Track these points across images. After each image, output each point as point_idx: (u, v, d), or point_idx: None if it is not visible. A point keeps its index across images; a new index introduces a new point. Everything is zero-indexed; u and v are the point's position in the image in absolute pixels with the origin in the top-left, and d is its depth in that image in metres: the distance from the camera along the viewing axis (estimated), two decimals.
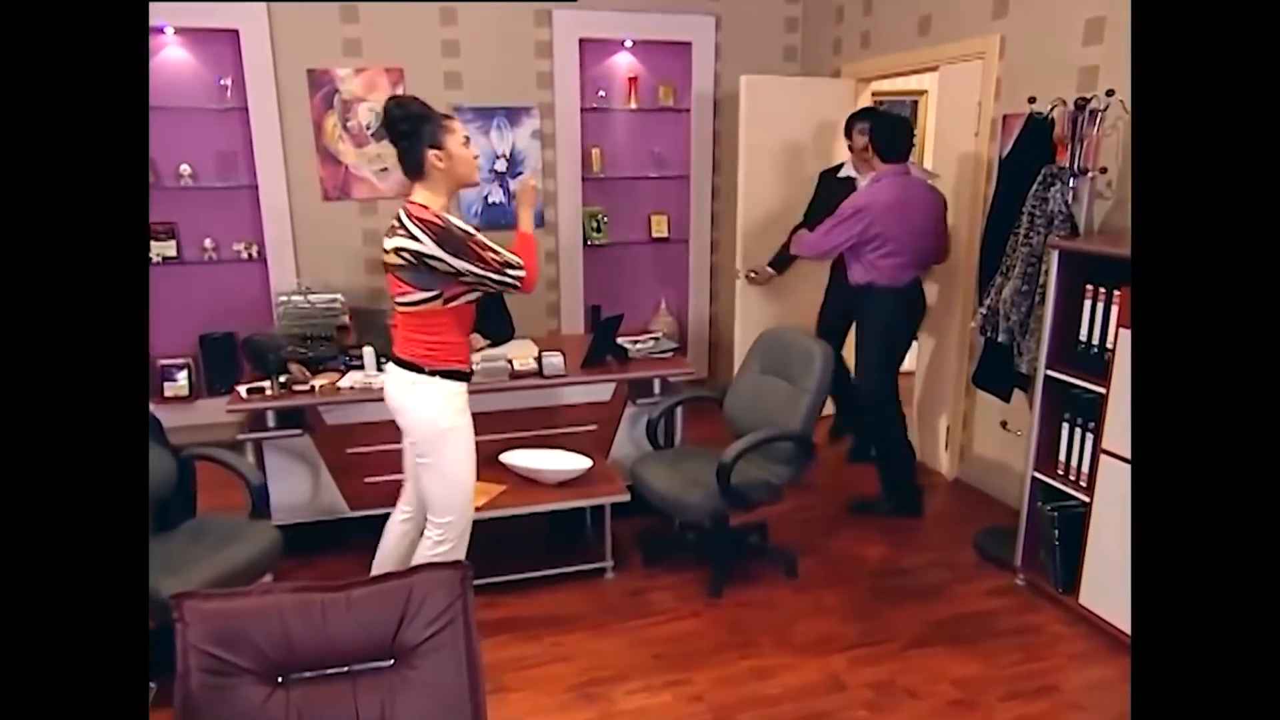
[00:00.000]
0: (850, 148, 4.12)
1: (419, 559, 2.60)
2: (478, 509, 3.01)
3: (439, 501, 2.58)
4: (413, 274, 2.36)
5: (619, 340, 3.63)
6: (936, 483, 4.20)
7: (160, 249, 4.51)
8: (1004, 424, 3.78)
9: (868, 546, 3.52)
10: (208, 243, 4.58)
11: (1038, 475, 3.07)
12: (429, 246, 2.31)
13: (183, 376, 4.63)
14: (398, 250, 2.34)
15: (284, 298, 4.32)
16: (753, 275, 4.65)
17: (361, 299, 4.74)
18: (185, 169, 4.45)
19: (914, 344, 4.28)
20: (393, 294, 2.44)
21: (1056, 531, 2.96)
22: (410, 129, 2.35)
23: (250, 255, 4.65)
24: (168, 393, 4.62)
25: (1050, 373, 2.97)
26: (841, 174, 4.25)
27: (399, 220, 2.36)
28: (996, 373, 3.47)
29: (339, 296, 4.37)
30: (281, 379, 3.21)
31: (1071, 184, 3.02)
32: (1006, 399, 3.55)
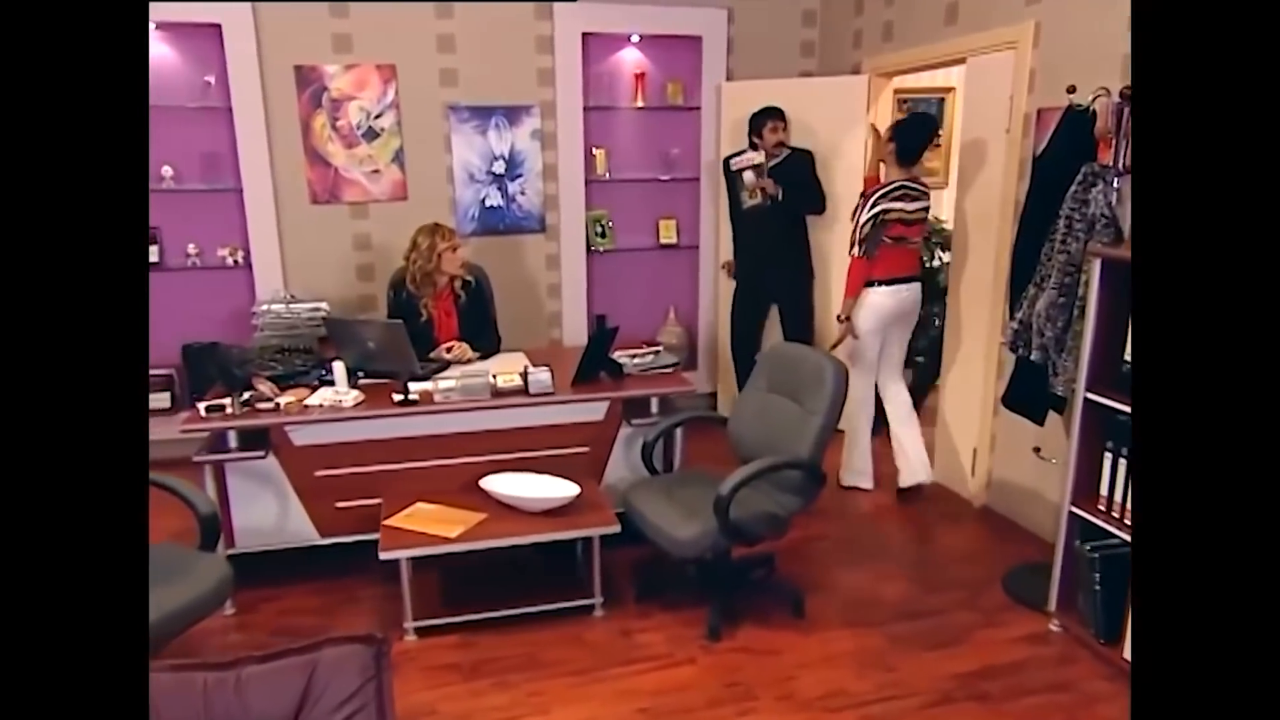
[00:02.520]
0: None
1: (906, 414, 3.91)
2: (452, 540, 2.75)
3: None
4: (925, 225, 3.79)
5: (614, 355, 3.35)
6: (962, 510, 3.87)
7: None
8: (1037, 450, 3.43)
9: (886, 583, 3.20)
10: (191, 248, 4.36)
11: (1075, 510, 2.75)
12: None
13: (164, 389, 4.42)
14: (928, 209, 3.73)
15: (264, 306, 4.10)
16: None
17: (352, 308, 4.51)
18: (167, 171, 4.23)
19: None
20: (912, 236, 3.68)
21: (1097, 575, 2.63)
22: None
23: (236, 261, 4.43)
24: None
25: (1090, 395, 2.65)
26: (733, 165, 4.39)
27: (916, 190, 3.61)
28: (1029, 394, 3.13)
29: (323, 305, 4.14)
30: (244, 396, 2.97)
31: (1115, 184, 2.69)
32: (1040, 422, 3.21)
